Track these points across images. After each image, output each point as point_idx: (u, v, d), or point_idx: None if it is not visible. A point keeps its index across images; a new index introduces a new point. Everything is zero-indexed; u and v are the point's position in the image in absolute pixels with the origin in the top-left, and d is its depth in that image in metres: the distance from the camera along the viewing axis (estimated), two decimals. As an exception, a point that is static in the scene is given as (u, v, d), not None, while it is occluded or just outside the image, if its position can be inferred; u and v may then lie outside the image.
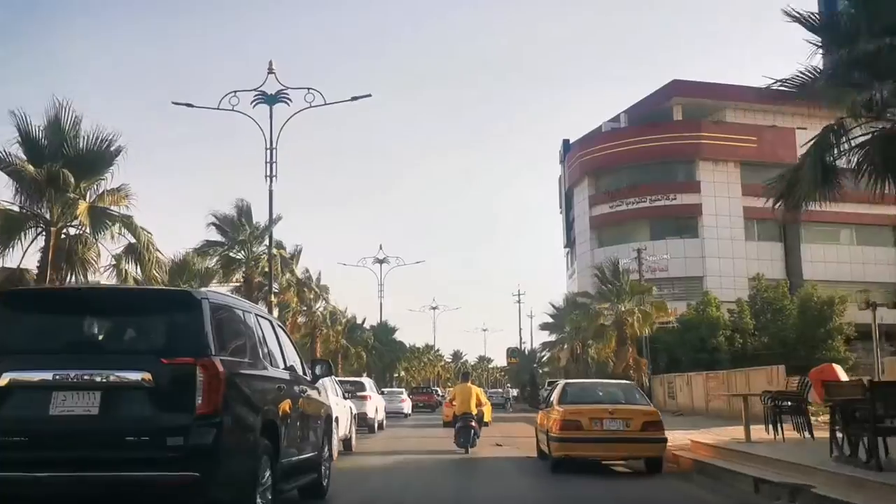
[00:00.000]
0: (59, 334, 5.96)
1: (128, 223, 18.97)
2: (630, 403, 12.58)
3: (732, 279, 49.61)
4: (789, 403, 14.09)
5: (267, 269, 27.86)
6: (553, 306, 49.22)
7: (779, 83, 11.91)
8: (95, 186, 18.93)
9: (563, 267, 70.17)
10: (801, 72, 11.63)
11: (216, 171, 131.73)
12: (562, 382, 14.50)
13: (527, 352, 72.06)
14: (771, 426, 13.78)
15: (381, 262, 53.45)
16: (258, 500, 6.12)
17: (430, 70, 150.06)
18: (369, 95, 25.37)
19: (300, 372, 8.10)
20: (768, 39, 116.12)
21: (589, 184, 58.20)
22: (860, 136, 11.93)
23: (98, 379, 5.47)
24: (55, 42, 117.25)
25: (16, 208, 18.34)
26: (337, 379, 19.13)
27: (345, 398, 17.29)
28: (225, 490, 5.67)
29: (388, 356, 64.35)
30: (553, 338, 50.15)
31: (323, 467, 8.71)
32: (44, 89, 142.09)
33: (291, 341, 8.49)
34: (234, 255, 30.57)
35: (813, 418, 14.35)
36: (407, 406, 38.53)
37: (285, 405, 7.03)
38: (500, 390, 68.54)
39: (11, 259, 18.27)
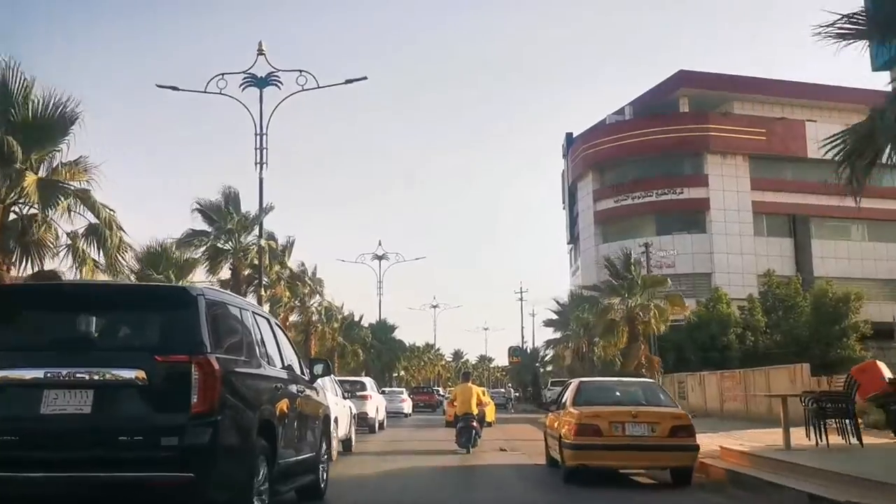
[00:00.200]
0: (50, 331, 5.96)
1: (84, 198, 17.05)
2: (654, 405, 11.56)
3: (741, 276, 49.64)
4: (835, 405, 13.01)
5: (256, 262, 27.25)
6: (557, 302, 48.71)
7: (841, 20, 10.16)
8: (49, 159, 17.09)
9: (566, 264, 70.35)
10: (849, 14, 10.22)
11: (205, 161, 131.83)
12: (576, 381, 13.10)
13: (529, 350, 72.13)
14: (813, 430, 12.69)
15: (380, 258, 53.52)
16: (255, 503, 6.12)
17: (429, 70, 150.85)
18: (365, 78, 25.04)
19: (298, 371, 8.12)
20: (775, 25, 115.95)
21: (593, 178, 58.12)
22: None
23: (90, 377, 5.47)
24: (38, 25, 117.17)
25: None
26: (337, 378, 19.15)
27: (344, 398, 17.31)
28: (221, 491, 5.67)
29: (386, 355, 64.35)
30: (557, 335, 49.75)
31: (321, 468, 8.72)
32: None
33: (289, 340, 8.50)
34: (221, 246, 29.23)
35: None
36: (407, 406, 38.61)
37: (282, 405, 7.04)
38: (502, 390, 68.56)
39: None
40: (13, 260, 16.40)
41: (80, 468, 5.32)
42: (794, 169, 52.64)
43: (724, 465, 11.66)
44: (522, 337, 77.59)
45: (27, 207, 16.59)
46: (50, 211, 16.37)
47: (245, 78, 24.05)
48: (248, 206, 29.41)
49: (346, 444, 16.35)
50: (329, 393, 13.44)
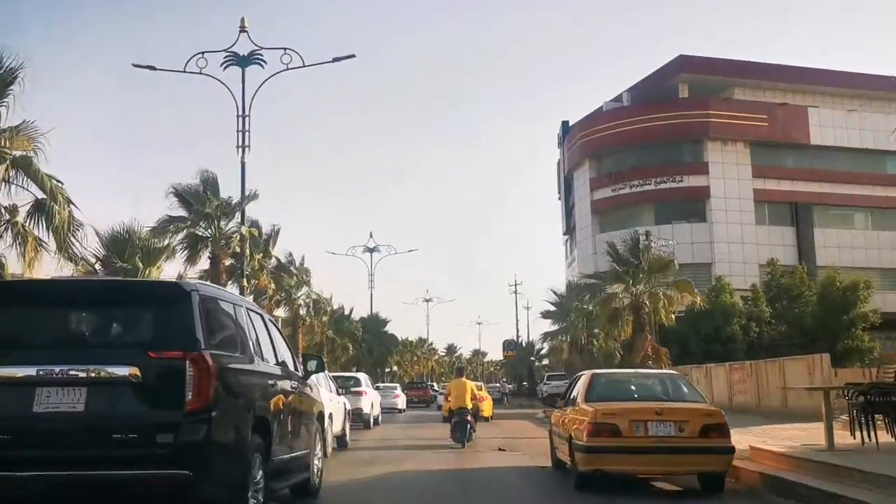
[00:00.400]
0: (42, 328, 6.01)
1: (25, 166, 15.40)
2: (679, 400, 10.50)
3: (742, 265, 49.71)
4: (885, 399, 11.63)
5: (238, 250, 26.25)
6: (554, 293, 47.94)
7: None
8: None
9: (561, 256, 70.27)
10: None
11: (187, 148, 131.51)
12: (587, 373, 11.86)
13: (524, 344, 72.23)
14: (858, 428, 11.40)
15: (371, 250, 53.55)
16: (250, 500, 6.20)
17: (424, 60, 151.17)
18: (353, 56, 24.71)
19: (292, 367, 8.20)
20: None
21: (590, 166, 57.93)
22: None
23: (83, 374, 5.53)
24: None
25: None
26: (332, 374, 19.29)
27: (339, 394, 17.45)
28: (217, 489, 5.74)
29: (378, 349, 64.33)
30: (555, 327, 49.24)
31: (315, 466, 8.83)
32: None
33: (283, 336, 8.58)
34: (200, 234, 27.42)
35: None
36: (401, 401, 38.79)
37: (277, 401, 7.13)
38: (497, 385, 68.77)
39: None
40: None
41: (75, 467, 5.38)
42: (796, 156, 52.67)
43: (758, 467, 10.64)
44: (517, 330, 77.38)
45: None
46: None
47: (227, 56, 23.48)
48: (233, 192, 27.38)
49: (340, 440, 16.60)
50: (323, 389, 13.59)
